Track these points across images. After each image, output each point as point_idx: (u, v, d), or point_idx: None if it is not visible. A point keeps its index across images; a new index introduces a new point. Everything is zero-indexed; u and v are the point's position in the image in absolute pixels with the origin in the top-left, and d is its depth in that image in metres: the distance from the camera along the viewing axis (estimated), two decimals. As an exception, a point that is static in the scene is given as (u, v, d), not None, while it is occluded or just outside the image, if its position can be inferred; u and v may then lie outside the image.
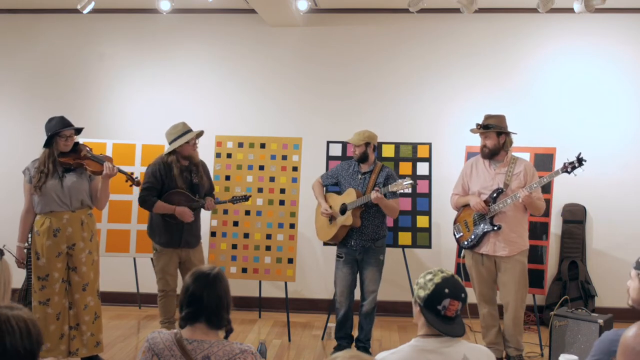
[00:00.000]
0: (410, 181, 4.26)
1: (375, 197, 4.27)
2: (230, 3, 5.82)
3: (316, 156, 5.55)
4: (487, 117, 4.37)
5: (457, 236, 4.50)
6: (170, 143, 4.43)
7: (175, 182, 4.41)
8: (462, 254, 4.59)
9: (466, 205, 4.45)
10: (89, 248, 4.16)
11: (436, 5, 5.55)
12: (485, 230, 4.28)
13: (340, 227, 4.46)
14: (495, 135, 4.30)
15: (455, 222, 4.53)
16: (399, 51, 5.94)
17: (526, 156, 4.89)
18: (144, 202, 4.41)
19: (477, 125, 4.35)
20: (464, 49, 5.86)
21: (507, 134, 4.34)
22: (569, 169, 4.08)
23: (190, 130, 4.44)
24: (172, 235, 4.43)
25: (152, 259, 5.48)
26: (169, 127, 4.48)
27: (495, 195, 4.27)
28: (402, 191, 4.39)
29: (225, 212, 5.22)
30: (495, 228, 4.25)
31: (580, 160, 4.05)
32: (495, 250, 4.28)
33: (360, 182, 4.52)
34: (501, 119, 4.35)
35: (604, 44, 5.74)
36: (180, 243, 4.45)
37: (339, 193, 4.64)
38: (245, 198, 4.78)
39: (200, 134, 4.50)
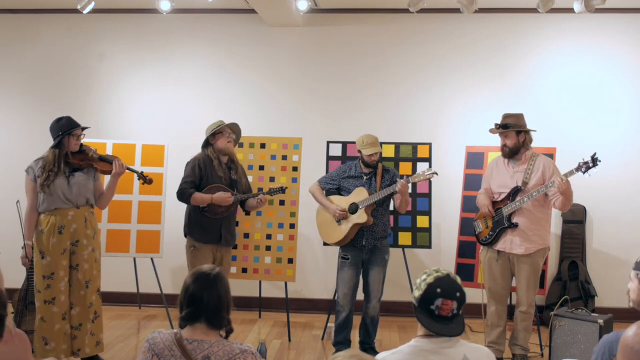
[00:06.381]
0: (432, 170, 4.29)
1: (402, 186, 4.23)
2: (230, 3, 5.82)
3: (316, 156, 5.55)
4: (506, 116, 4.36)
5: (476, 232, 4.52)
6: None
7: (215, 176, 4.46)
8: (481, 250, 4.59)
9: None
10: (92, 245, 4.17)
11: (436, 5, 5.55)
12: (502, 227, 4.28)
13: (353, 225, 4.40)
14: (514, 134, 4.29)
15: (476, 219, 4.54)
16: (399, 51, 5.94)
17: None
18: (181, 195, 4.44)
19: (496, 125, 4.35)
20: (464, 49, 5.86)
21: (527, 132, 4.33)
22: (583, 169, 4.04)
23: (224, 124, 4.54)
24: (210, 232, 4.46)
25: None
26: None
27: (513, 193, 4.27)
28: (425, 181, 4.37)
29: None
30: (512, 225, 4.23)
31: (594, 160, 4.02)
32: (511, 247, 4.27)
33: (366, 183, 4.50)
34: (519, 117, 4.35)
35: (604, 44, 5.74)
36: (220, 239, 4.47)
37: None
38: (282, 190, 4.67)
39: (232, 125, 4.55)
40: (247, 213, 4.85)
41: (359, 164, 4.55)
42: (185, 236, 4.58)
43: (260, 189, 4.73)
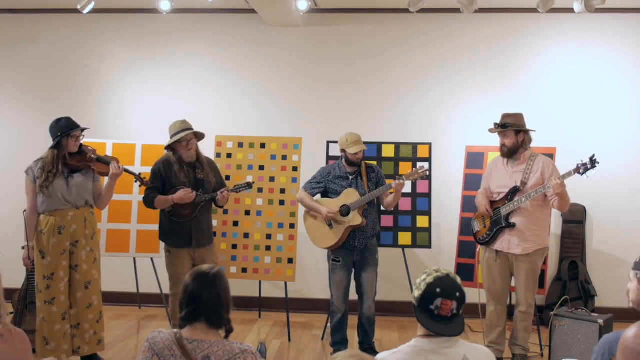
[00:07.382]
0: (425, 168, 4.29)
1: (398, 184, 4.23)
2: (230, 3, 5.82)
3: (316, 156, 5.55)
4: (505, 115, 4.36)
5: (474, 231, 4.52)
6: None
7: (177, 178, 4.37)
8: (478, 249, 4.59)
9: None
10: (91, 246, 4.17)
11: (436, 5, 5.55)
12: (499, 226, 4.29)
13: (347, 228, 4.40)
14: (513, 134, 4.29)
15: (474, 218, 4.54)
16: (398, 51, 5.94)
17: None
18: (146, 201, 4.42)
19: (495, 124, 4.36)
20: (464, 49, 5.86)
21: (526, 131, 4.33)
22: (581, 171, 4.03)
23: (187, 129, 4.38)
24: (181, 235, 4.40)
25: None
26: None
27: (511, 193, 4.27)
28: (420, 178, 4.37)
29: (226, 212, 5.22)
30: (509, 225, 4.23)
31: (593, 162, 4.01)
32: (509, 247, 4.27)
33: (352, 183, 4.49)
34: (519, 117, 4.35)
35: (604, 44, 5.74)
36: (192, 242, 4.40)
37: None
38: (249, 185, 4.59)
39: (197, 134, 4.44)
40: (221, 207, 4.74)
41: (343, 164, 4.53)
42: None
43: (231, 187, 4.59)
